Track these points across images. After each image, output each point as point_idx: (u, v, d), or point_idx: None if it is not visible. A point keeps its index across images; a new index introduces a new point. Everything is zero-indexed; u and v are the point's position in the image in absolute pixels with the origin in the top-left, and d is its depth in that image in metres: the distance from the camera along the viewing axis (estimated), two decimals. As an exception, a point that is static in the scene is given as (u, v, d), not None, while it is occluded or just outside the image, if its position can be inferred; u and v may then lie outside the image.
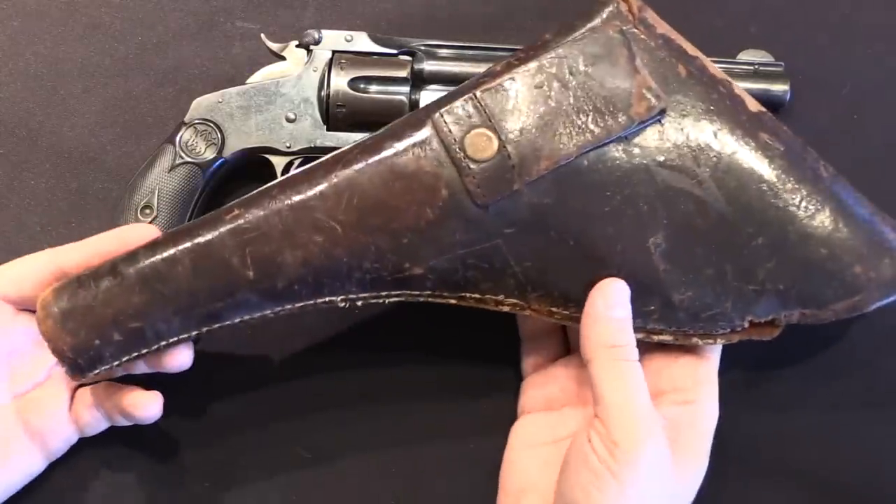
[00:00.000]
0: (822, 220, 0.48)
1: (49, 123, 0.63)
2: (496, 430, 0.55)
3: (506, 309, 0.50)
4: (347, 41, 0.59)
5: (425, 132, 0.48)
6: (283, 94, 0.58)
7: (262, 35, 0.60)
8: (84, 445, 0.55)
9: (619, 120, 0.48)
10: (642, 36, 0.49)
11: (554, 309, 0.50)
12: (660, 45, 0.50)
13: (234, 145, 0.58)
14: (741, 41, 0.62)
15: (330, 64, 0.58)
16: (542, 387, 0.54)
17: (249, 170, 0.60)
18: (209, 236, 0.48)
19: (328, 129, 0.58)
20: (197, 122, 0.58)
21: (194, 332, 0.49)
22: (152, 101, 0.63)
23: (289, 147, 0.58)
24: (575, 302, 0.49)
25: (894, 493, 0.57)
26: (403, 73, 0.58)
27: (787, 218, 0.48)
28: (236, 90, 0.59)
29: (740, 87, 0.51)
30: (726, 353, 0.52)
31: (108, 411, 0.52)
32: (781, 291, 0.48)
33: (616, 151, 0.48)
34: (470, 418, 0.58)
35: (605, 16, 0.50)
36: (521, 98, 0.48)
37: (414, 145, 0.48)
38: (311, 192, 0.48)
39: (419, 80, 0.59)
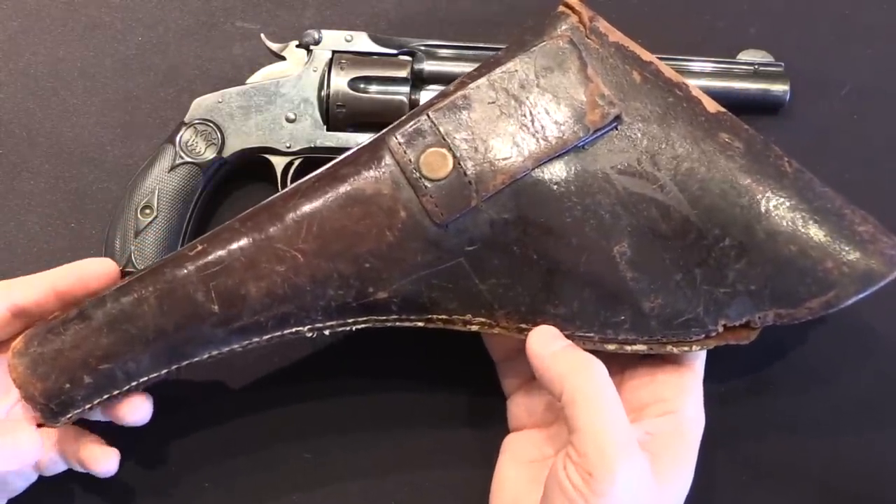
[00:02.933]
0: (789, 216, 0.48)
1: (49, 123, 0.63)
2: (497, 437, 0.55)
3: (474, 328, 0.50)
4: (347, 41, 0.59)
5: (381, 155, 0.49)
6: (283, 94, 0.58)
7: (262, 35, 0.60)
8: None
9: (574, 129, 0.48)
10: (594, 45, 0.49)
11: (523, 325, 0.49)
12: (612, 54, 0.49)
13: (234, 145, 0.58)
14: (741, 41, 0.62)
15: (330, 64, 0.58)
16: (528, 406, 0.54)
17: (249, 170, 0.60)
18: (174, 273, 0.48)
19: (328, 129, 0.58)
20: (197, 122, 0.58)
21: (164, 371, 0.49)
22: (152, 101, 0.63)
23: (289, 147, 0.58)
24: (543, 317, 0.49)
25: (895, 497, 0.57)
26: (403, 73, 0.58)
27: (752, 217, 0.48)
28: (236, 90, 0.59)
29: (697, 87, 0.50)
30: (726, 358, 0.52)
31: (67, 456, 0.52)
32: (753, 292, 0.48)
33: (574, 161, 0.48)
34: (471, 422, 0.58)
35: (555, 29, 0.50)
36: (474, 115, 0.48)
37: (370, 169, 0.48)
38: (271, 224, 0.48)
39: (419, 80, 0.59)
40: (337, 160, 0.50)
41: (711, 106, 0.50)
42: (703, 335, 0.48)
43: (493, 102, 0.48)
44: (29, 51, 0.64)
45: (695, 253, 0.48)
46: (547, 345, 0.48)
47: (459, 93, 0.49)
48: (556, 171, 0.48)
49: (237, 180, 0.61)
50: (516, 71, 0.49)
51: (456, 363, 0.57)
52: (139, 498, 0.57)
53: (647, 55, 0.50)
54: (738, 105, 0.59)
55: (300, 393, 0.58)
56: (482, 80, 0.49)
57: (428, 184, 0.48)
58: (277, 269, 0.48)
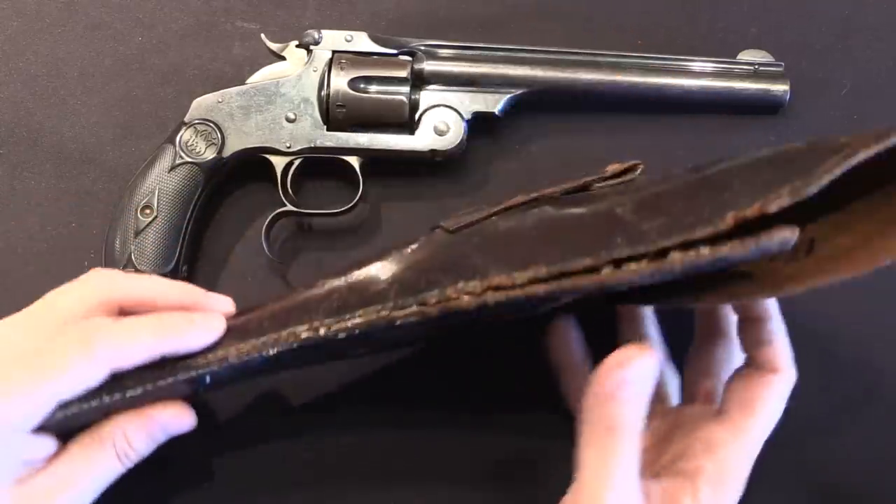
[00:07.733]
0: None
1: (49, 123, 0.63)
2: (496, 436, 0.55)
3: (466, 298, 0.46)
4: (347, 41, 0.59)
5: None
6: (283, 94, 0.59)
7: (262, 35, 0.60)
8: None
9: None
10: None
11: (516, 274, 0.45)
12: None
13: (234, 145, 0.58)
14: (741, 41, 0.62)
15: (330, 64, 0.59)
16: None
17: (249, 170, 0.60)
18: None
19: (328, 129, 0.58)
20: (197, 122, 0.58)
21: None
22: (152, 101, 0.63)
23: (289, 147, 0.58)
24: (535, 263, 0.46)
25: (894, 494, 0.57)
26: (403, 73, 0.58)
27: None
28: (236, 90, 0.59)
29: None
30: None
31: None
32: (760, 185, 0.42)
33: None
34: (471, 422, 0.58)
35: None
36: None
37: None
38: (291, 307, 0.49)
39: (419, 80, 0.59)
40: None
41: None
42: (711, 229, 0.42)
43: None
44: (29, 51, 0.64)
45: (696, 182, 0.46)
46: (619, 386, 0.44)
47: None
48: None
49: (237, 180, 0.61)
50: None
51: (469, 347, 0.57)
52: (135, 498, 0.57)
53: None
54: (739, 105, 0.60)
55: (300, 391, 0.58)
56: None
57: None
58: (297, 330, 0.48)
